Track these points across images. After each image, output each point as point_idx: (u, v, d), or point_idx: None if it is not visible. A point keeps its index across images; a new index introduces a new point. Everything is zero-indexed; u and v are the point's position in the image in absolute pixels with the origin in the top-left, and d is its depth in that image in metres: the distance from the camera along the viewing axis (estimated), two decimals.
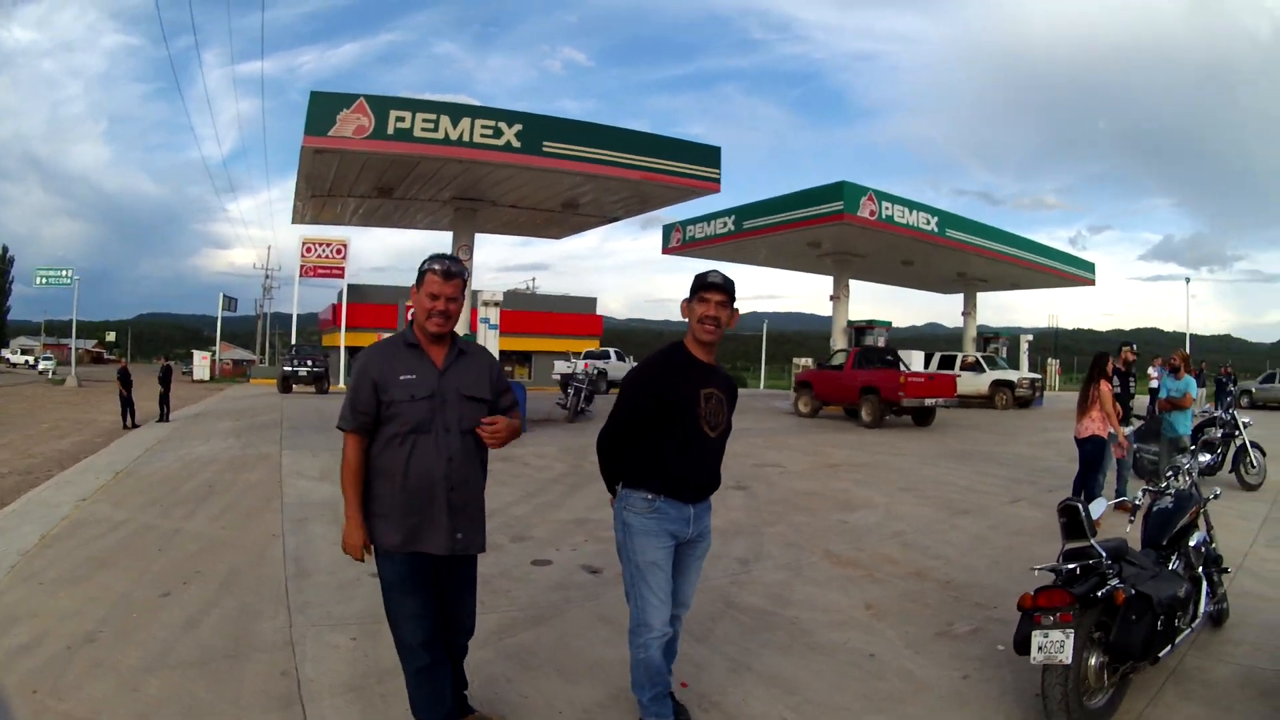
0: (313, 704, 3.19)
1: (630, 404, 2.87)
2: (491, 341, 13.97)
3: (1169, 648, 3.27)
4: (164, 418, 15.97)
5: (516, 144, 12.73)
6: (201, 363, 39.64)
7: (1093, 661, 2.96)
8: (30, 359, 44.41)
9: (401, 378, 2.59)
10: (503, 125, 12.63)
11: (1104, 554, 3.15)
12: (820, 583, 5.00)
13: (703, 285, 2.84)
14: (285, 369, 27.06)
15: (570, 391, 16.09)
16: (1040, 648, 2.83)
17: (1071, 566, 3.11)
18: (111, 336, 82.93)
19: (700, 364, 2.89)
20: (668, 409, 2.81)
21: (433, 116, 12.31)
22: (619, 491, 2.92)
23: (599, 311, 45.83)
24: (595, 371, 16.71)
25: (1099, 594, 2.96)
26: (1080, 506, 3.24)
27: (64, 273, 37.72)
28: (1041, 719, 2.99)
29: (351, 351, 35.63)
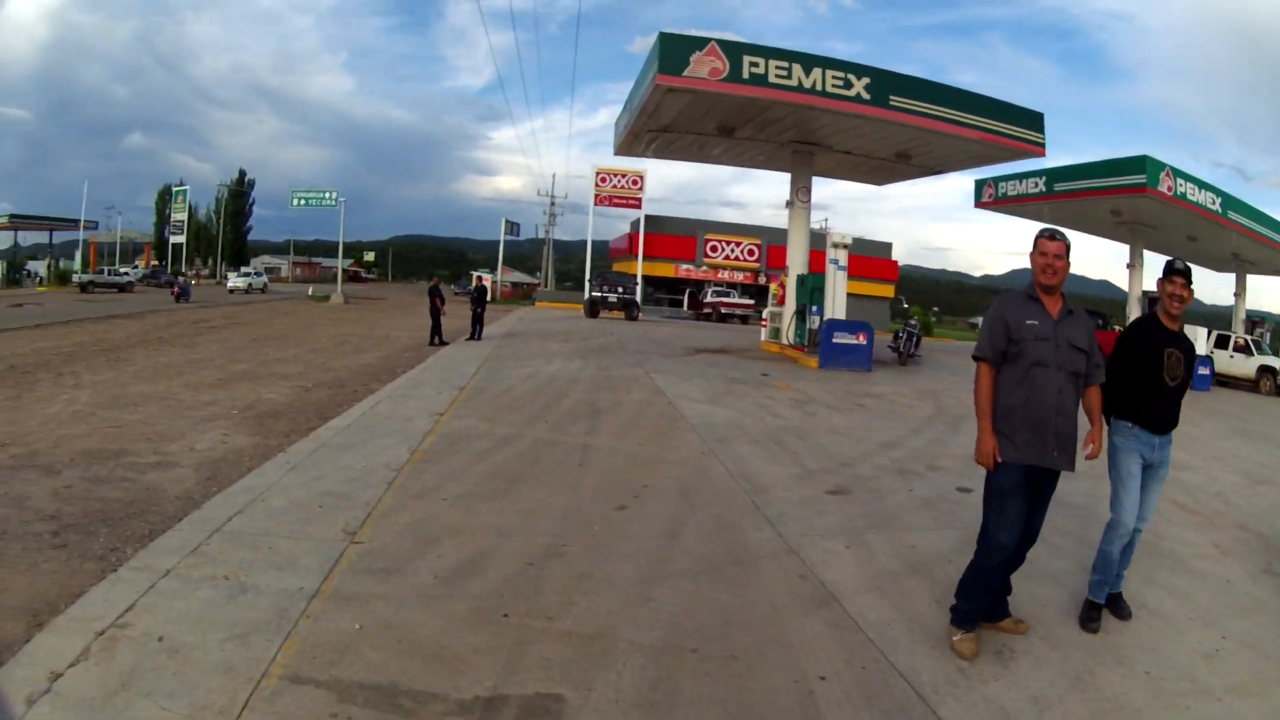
0: (848, 601, 3.42)
1: (1113, 356, 3.74)
2: (840, 282, 14.34)
3: None
4: (475, 336, 15.83)
5: (866, 96, 13.09)
6: (484, 284, 42.44)
7: None
8: (248, 281, 41.61)
9: (1027, 322, 3.21)
10: (851, 77, 13.16)
11: None
12: (1172, 527, 5.34)
13: (1171, 271, 3.73)
14: (594, 294, 26.48)
15: (902, 336, 17.05)
16: None
17: None
18: (370, 256, 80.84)
19: (1165, 330, 3.72)
20: (1135, 360, 3.66)
21: (785, 64, 12.81)
22: (1110, 421, 3.74)
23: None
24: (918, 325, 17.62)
25: None
26: None
27: (327, 194, 37.59)
28: None
29: (648, 280, 34.93)
